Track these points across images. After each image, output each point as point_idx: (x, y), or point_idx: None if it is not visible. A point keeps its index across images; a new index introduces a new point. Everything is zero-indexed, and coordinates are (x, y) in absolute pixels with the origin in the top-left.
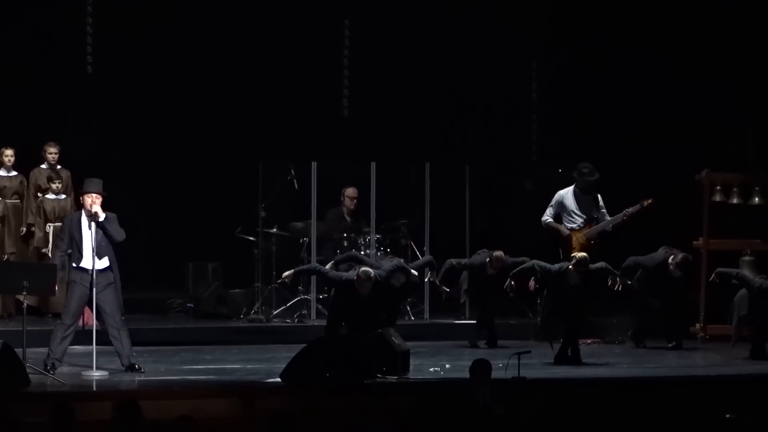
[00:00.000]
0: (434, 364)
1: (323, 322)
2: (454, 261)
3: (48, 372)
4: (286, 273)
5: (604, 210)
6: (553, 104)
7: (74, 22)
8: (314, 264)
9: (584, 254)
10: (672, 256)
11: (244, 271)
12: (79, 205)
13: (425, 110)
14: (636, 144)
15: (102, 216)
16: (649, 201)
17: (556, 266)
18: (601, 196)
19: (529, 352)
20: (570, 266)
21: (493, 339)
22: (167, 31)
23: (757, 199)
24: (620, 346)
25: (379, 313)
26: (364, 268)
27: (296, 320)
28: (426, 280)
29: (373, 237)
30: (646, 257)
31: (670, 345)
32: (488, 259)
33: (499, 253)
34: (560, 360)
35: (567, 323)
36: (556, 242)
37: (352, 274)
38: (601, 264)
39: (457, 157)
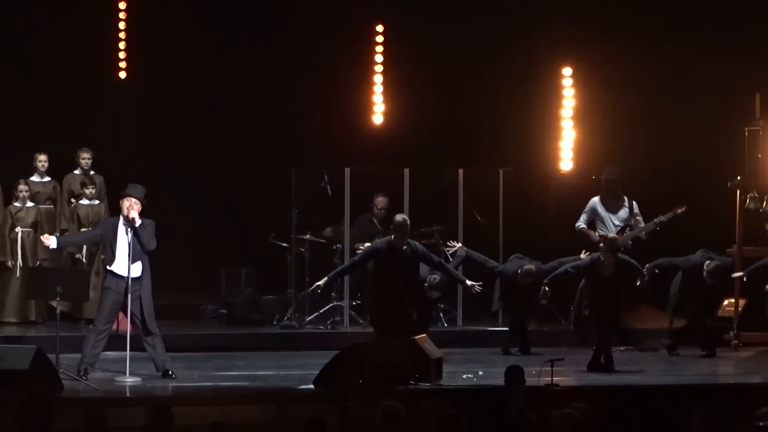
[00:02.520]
0: (467, 371)
1: (356, 329)
2: (493, 262)
3: (81, 378)
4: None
5: (639, 217)
6: (587, 110)
7: (107, 28)
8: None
9: (614, 235)
10: (707, 262)
11: (277, 277)
12: (114, 211)
13: (459, 116)
14: (670, 151)
15: (138, 222)
16: (683, 208)
17: (587, 259)
18: (636, 203)
19: (563, 359)
20: (601, 255)
21: (527, 346)
22: (201, 37)
23: None
24: (653, 354)
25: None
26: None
27: (329, 327)
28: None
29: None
30: (682, 259)
31: (703, 353)
32: (519, 270)
33: (529, 267)
34: (593, 367)
35: (599, 327)
36: (588, 249)
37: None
38: (626, 257)
39: (491, 162)
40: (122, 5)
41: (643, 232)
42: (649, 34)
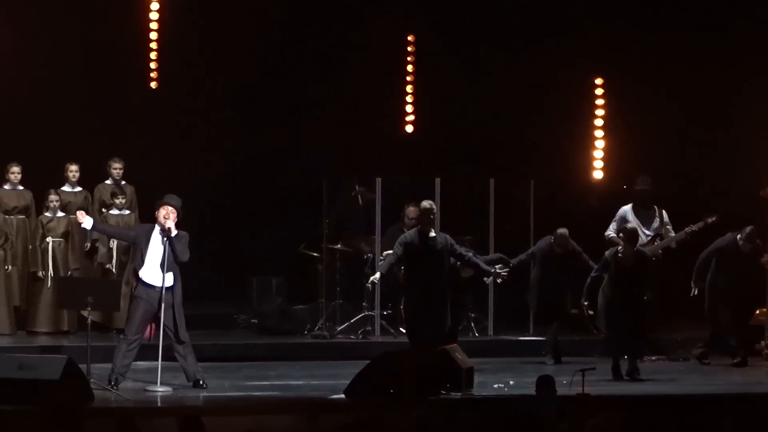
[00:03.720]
0: (498, 381)
1: (387, 338)
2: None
3: (112, 388)
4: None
5: (669, 226)
6: (617, 121)
7: (139, 41)
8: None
9: (633, 226)
10: (739, 234)
11: (308, 287)
12: (144, 221)
13: (489, 125)
14: (698, 160)
15: (174, 232)
16: (713, 217)
17: (606, 255)
18: (666, 212)
19: (594, 369)
20: (620, 248)
21: (558, 355)
22: (231, 49)
23: None
24: (684, 363)
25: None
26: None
27: (360, 336)
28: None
29: None
30: (713, 244)
31: (735, 361)
32: (552, 238)
33: (563, 230)
34: (617, 375)
35: (627, 335)
36: None
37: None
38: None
39: (522, 171)
40: (154, 17)
41: (674, 242)
42: (680, 44)
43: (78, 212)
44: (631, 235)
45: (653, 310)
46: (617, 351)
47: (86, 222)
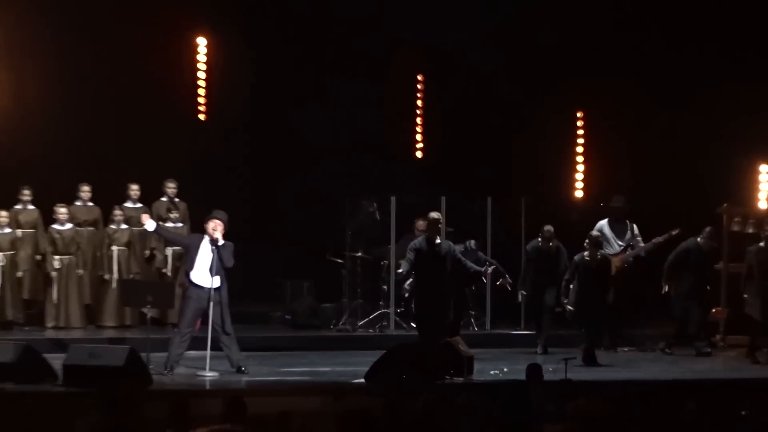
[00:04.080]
0: (494, 368)
1: (400, 332)
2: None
3: (167, 373)
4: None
5: (639, 237)
6: (595, 149)
7: (190, 78)
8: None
9: (596, 233)
10: (701, 235)
11: (334, 288)
12: (195, 232)
13: (488, 152)
14: (663, 183)
15: (221, 242)
16: (676, 230)
17: (575, 260)
18: (636, 225)
19: (575, 358)
20: (586, 252)
21: (544, 346)
22: (268, 84)
23: None
24: (652, 354)
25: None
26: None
27: (378, 330)
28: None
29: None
30: (679, 246)
31: (703, 351)
32: (539, 237)
33: (548, 226)
34: (588, 359)
35: (589, 319)
36: None
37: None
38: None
39: (515, 191)
40: (202, 59)
41: (643, 251)
42: (650, 83)
43: (142, 215)
44: (595, 241)
45: (626, 308)
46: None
47: (149, 224)
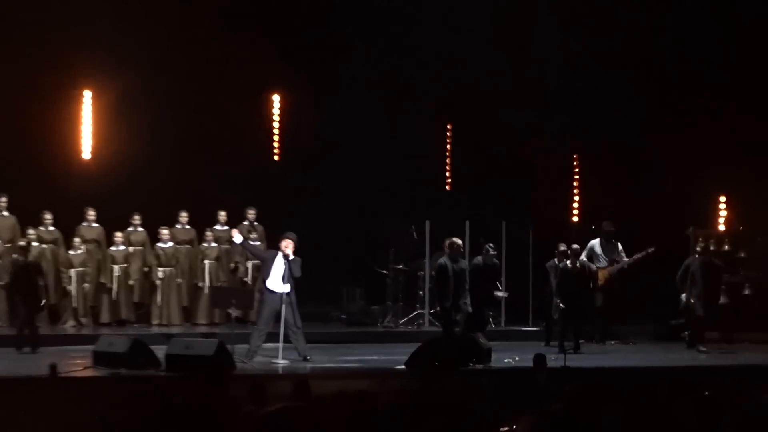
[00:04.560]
0: (508, 357)
1: (433, 329)
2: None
3: (248, 361)
4: None
5: (623, 254)
6: (589, 183)
7: (267, 122)
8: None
9: (577, 246)
10: (697, 254)
11: (380, 293)
12: (270, 248)
13: (502, 187)
14: (643, 209)
15: (291, 257)
16: (653, 248)
17: (560, 270)
18: (621, 244)
19: (572, 350)
20: (568, 262)
21: (548, 340)
22: (328, 128)
23: (726, 247)
24: (634, 347)
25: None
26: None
27: (415, 327)
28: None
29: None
30: (684, 263)
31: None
32: (483, 253)
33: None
34: (562, 348)
35: (570, 318)
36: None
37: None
38: (587, 262)
39: (523, 218)
40: (276, 106)
41: (626, 264)
42: (629, 132)
43: (232, 230)
44: (576, 252)
45: (612, 310)
46: (574, 333)
47: (237, 238)
